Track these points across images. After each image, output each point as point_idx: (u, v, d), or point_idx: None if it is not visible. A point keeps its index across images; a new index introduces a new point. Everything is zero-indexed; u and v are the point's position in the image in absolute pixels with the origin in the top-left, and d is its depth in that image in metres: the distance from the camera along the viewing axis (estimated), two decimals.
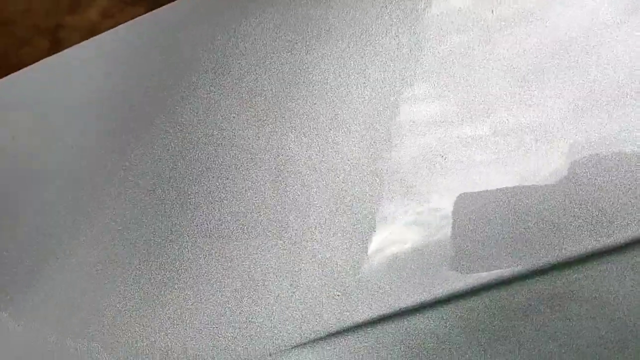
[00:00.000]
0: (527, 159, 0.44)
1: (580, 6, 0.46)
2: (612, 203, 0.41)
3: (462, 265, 0.43)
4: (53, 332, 0.48)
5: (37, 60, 0.51)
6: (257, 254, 0.47)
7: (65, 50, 0.54)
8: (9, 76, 0.53)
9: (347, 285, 0.45)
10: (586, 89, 0.44)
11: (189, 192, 0.50)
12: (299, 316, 0.46)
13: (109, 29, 0.49)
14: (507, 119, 0.45)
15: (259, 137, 0.49)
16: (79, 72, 0.54)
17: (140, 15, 0.47)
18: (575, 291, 0.42)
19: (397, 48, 0.47)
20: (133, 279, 0.49)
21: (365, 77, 0.48)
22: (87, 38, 0.49)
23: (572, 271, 0.42)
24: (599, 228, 0.41)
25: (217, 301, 0.47)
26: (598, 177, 0.41)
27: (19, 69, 0.51)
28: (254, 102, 0.49)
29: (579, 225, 0.41)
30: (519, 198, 0.43)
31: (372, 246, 0.45)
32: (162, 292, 0.48)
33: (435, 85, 0.46)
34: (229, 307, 0.47)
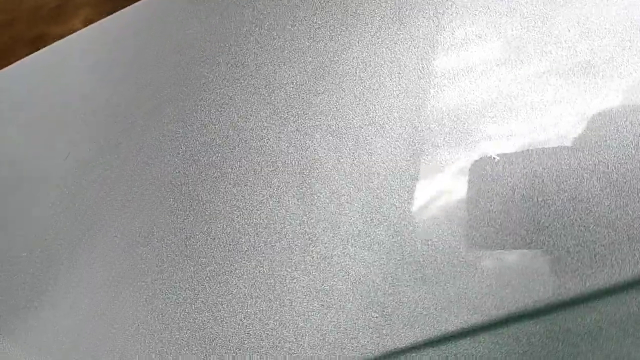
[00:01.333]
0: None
1: None
2: None
3: (519, 283, 0.38)
4: None
5: None
6: (282, 270, 0.43)
7: (60, 42, 0.49)
8: None
9: (385, 305, 0.41)
10: None
11: (204, 201, 0.45)
12: (331, 340, 0.41)
13: None
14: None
15: (280, 137, 0.44)
16: (70, 66, 0.49)
17: None
18: None
19: (437, 31, 0.42)
20: (145, 300, 0.45)
21: (400, 66, 0.42)
22: None
23: None
24: None
25: (239, 323, 0.43)
26: None
27: None
28: (273, 98, 0.44)
29: None
30: (586, 196, 0.38)
31: (413, 261, 0.40)
32: (178, 314, 0.44)
33: (481, 75, 0.40)
34: (253, 331, 0.43)
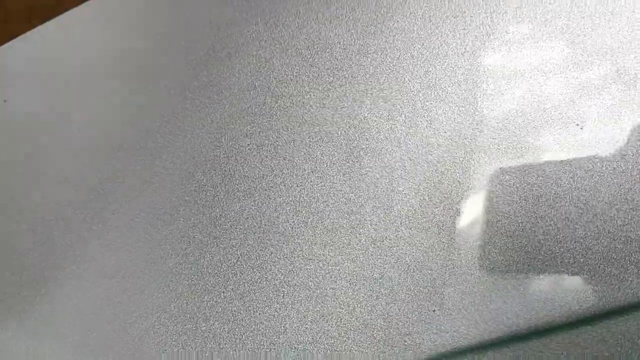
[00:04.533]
0: None
1: None
2: None
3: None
4: (66, 355, 0.39)
5: None
6: (324, 255, 0.36)
7: (86, 4, 0.44)
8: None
9: (445, 297, 0.34)
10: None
11: (236, 176, 0.39)
12: (380, 337, 0.35)
13: None
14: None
15: (324, 104, 0.38)
16: (92, 30, 0.44)
17: None
18: None
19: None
20: (168, 286, 0.39)
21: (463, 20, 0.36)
22: None
23: None
24: None
25: (274, 315, 0.37)
26: None
27: None
28: (316, 60, 0.38)
29: None
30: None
31: (478, 246, 0.34)
32: (205, 302, 0.38)
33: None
34: (290, 324, 0.36)
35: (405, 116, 0.36)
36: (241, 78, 0.40)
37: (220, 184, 0.40)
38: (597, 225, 0.33)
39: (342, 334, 0.36)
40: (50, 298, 0.40)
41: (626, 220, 0.33)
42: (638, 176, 0.33)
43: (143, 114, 0.41)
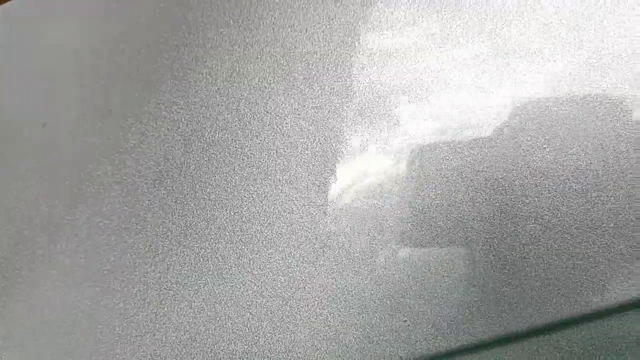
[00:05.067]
0: None
1: None
2: None
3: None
4: None
5: None
6: (297, 265, 0.37)
7: None
8: None
9: (414, 308, 0.36)
10: None
11: (207, 184, 0.38)
12: (352, 346, 0.36)
13: None
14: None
15: (299, 114, 0.37)
16: (59, 17, 0.41)
17: None
18: None
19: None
20: (136, 294, 0.38)
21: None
22: None
23: None
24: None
25: (246, 325, 0.37)
26: None
27: None
28: (292, 68, 0.38)
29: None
30: None
31: (449, 259, 0.35)
32: (175, 312, 0.38)
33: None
34: (262, 333, 0.37)
35: (382, 131, 0.37)
36: (213, 81, 0.39)
37: (190, 191, 0.39)
38: (559, 244, 0.35)
39: (316, 344, 0.37)
40: (13, 301, 0.38)
41: (585, 238, 0.35)
42: (597, 197, 0.35)
43: (107, 115, 0.39)
